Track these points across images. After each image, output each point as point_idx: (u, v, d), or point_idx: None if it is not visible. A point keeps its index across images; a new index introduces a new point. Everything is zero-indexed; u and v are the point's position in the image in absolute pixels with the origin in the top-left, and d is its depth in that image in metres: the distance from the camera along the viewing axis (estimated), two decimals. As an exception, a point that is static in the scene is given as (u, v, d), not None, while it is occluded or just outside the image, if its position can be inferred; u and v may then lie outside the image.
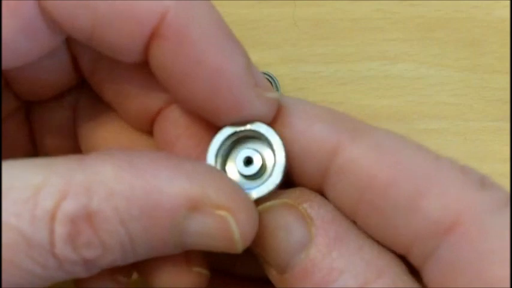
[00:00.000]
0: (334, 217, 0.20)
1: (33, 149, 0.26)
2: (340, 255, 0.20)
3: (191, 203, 0.19)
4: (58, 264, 0.18)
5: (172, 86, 0.21)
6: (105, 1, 0.19)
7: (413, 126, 0.37)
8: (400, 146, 0.21)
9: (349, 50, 0.38)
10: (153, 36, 0.20)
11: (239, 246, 0.20)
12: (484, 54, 0.38)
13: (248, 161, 0.22)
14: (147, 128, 0.24)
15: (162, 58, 0.20)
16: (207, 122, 0.22)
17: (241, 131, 0.21)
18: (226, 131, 0.21)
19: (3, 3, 0.19)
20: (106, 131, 0.25)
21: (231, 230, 0.19)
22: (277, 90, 0.35)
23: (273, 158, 0.22)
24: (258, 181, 0.22)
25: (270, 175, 0.21)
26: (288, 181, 0.22)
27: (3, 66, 0.20)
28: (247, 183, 0.22)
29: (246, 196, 0.20)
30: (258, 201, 0.21)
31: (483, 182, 0.20)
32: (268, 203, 0.21)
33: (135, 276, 0.23)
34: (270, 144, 0.21)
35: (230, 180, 0.21)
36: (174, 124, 0.23)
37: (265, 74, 0.35)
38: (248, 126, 0.21)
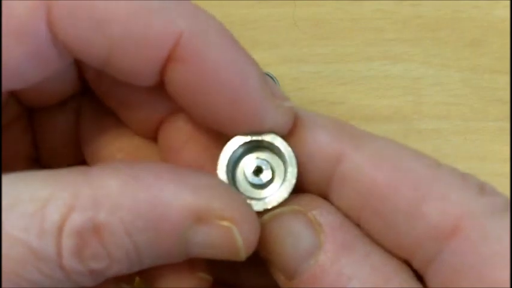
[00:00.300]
0: (342, 224, 0.21)
1: (36, 155, 0.26)
2: (348, 261, 0.20)
3: (196, 215, 0.19)
4: (65, 276, 0.19)
5: (190, 106, 0.21)
6: (118, 27, 0.19)
7: (413, 126, 0.37)
8: (401, 153, 0.21)
9: (349, 50, 0.38)
10: (168, 59, 0.20)
11: (242, 254, 0.20)
12: (484, 54, 0.38)
13: (258, 171, 0.22)
14: (152, 135, 0.24)
15: (179, 80, 0.21)
16: (212, 129, 0.22)
17: (254, 141, 0.22)
18: (239, 140, 0.22)
19: (12, 26, 0.19)
20: (109, 137, 0.25)
21: (235, 239, 0.20)
22: (277, 90, 0.35)
23: (283, 168, 0.22)
24: (266, 191, 0.22)
25: (279, 188, 0.22)
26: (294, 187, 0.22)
27: (10, 88, 0.21)
28: (255, 192, 0.22)
29: (248, 207, 0.21)
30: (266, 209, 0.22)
31: (483, 188, 0.20)
32: (277, 210, 0.21)
33: (137, 281, 0.23)
34: (281, 157, 0.22)
35: (232, 191, 0.21)
36: (179, 132, 0.23)
37: (265, 74, 0.35)
38: (263, 137, 0.22)
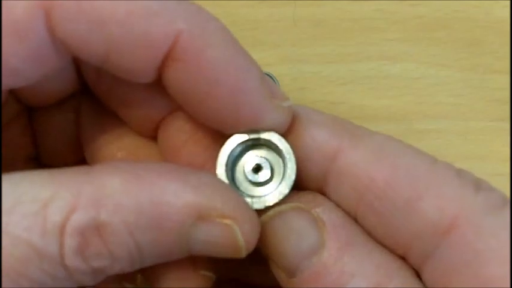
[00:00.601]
0: (345, 222, 0.21)
1: (36, 154, 0.26)
2: (351, 259, 0.20)
3: (198, 213, 0.20)
4: (68, 275, 0.19)
5: (189, 105, 0.22)
6: (118, 26, 0.19)
7: (413, 126, 0.37)
8: (398, 149, 0.21)
9: (349, 50, 0.38)
10: (167, 59, 0.20)
11: (243, 252, 0.20)
12: (484, 54, 0.38)
13: (257, 168, 0.22)
14: (152, 134, 0.24)
15: (178, 79, 0.21)
16: (212, 128, 0.22)
17: (253, 139, 0.22)
18: (238, 138, 0.22)
19: (12, 26, 0.19)
20: (109, 136, 0.25)
21: (236, 237, 0.20)
22: (277, 90, 0.35)
23: (281, 165, 0.22)
24: (266, 188, 0.22)
25: (279, 185, 0.22)
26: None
27: (9, 86, 0.21)
28: (254, 190, 0.22)
29: (248, 205, 0.21)
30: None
31: (479, 184, 0.20)
32: (281, 207, 0.21)
33: (139, 279, 0.23)
34: (280, 154, 0.22)
35: (232, 190, 0.21)
36: (179, 131, 0.23)
37: (265, 74, 0.35)
38: (261, 135, 0.22)
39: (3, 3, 0.19)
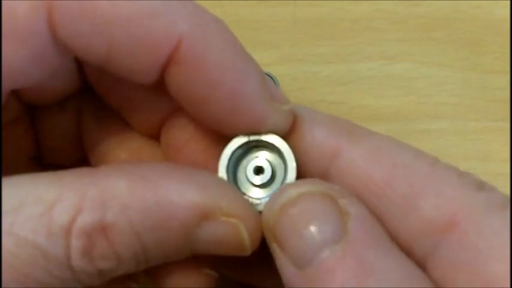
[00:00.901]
0: (371, 217, 0.20)
1: (38, 153, 0.26)
2: (374, 254, 0.19)
3: (203, 213, 0.20)
4: (74, 276, 0.19)
5: (190, 107, 0.22)
6: (120, 28, 0.19)
7: (413, 126, 0.37)
8: (397, 149, 0.21)
9: (349, 50, 0.38)
10: (169, 62, 0.20)
11: (248, 250, 0.20)
12: (484, 54, 0.38)
13: (258, 170, 0.22)
14: (154, 133, 0.24)
15: (179, 82, 0.21)
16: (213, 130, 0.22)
17: (253, 141, 0.22)
18: (239, 140, 0.22)
19: (14, 27, 0.19)
20: (111, 136, 0.25)
21: (242, 235, 0.20)
22: (277, 90, 0.35)
23: (283, 167, 0.22)
24: (267, 190, 0.22)
25: (281, 185, 0.22)
26: None
27: (12, 87, 0.21)
28: (256, 192, 0.22)
29: (251, 204, 0.21)
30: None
31: (481, 185, 0.20)
32: (305, 189, 0.20)
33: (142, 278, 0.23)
34: (281, 155, 0.22)
35: (235, 189, 0.21)
36: (181, 130, 0.23)
37: (265, 74, 0.35)
38: (262, 137, 0.22)
39: (4, 3, 0.19)
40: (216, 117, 0.21)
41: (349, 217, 0.19)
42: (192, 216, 0.19)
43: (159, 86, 0.22)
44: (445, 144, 0.37)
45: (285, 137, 0.22)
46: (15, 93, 0.24)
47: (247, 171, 0.22)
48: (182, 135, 0.23)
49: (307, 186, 0.20)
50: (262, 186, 0.22)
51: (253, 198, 0.22)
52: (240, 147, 0.22)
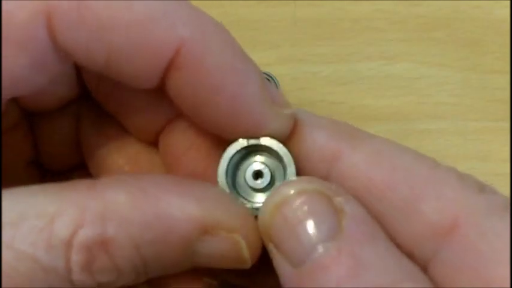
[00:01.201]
0: (367, 215, 0.20)
1: (37, 157, 0.26)
2: (370, 251, 0.19)
3: (203, 227, 0.20)
4: None
5: (190, 111, 0.22)
6: (120, 34, 0.19)
7: (413, 126, 0.37)
8: (398, 152, 0.21)
9: (349, 50, 0.38)
10: (169, 67, 0.20)
11: (249, 263, 0.20)
12: (484, 54, 0.38)
13: (257, 175, 0.22)
14: (152, 139, 0.24)
15: (179, 87, 0.21)
16: (213, 135, 0.22)
17: (252, 145, 0.22)
18: (238, 145, 0.22)
19: (14, 34, 0.19)
20: (110, 141, 0.25)
21: (242, 250, 0.20)
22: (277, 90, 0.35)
23: (282, 171, 0.22)
24: (267, 194, 0.22)
25: None
26: None
27: (12, 95, 0.21)
28: (256, 196, 0.22)
29: (252, 217, 0.21)
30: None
31: (482, 187, 0.20)
32: (300, 187, 0.20)
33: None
34: (280, 159, 0.22)
35: (236, 202, 0.21)
36: (180, 138, 0.23)
37: (265, 74, 0.35)
38: (260, 141, 0.22)
39: (4, 10, 0.19)
40: (216, 121, 0.21)
41: (344, 215, 0.19)
42: (192, 230, 0.19)
43: (159, 92, 0.22)
44: (445, 144, 0.37)
45: (286, 140, 0.22)
46: (14, 100, 0.24)
47: (247, 175, 0.22)
48: (181, 143, 0.23)
49: (302, 184, 0.20)
50: (262, 190, 0.22)
51: (252, 202, 0.22)
52: (239, 151, 0.22)
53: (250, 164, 0.22)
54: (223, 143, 0.22)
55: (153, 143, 0.24)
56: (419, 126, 0.37)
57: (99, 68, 0.20)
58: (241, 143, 0.22)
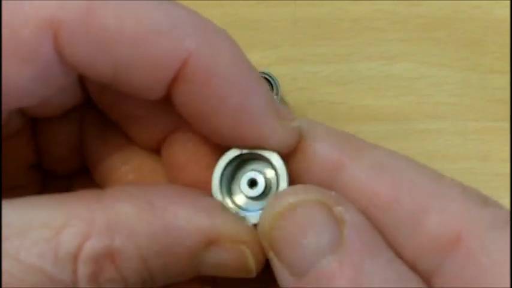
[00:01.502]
0: (368, 225, 0.20)
1: (40, 162, 0.26)
2: (372, 262, 0.19)
3: (209, 238, 0.20)
4: None
5: (195, 121, 0.22)
6: (126, 47, 0.19)
7: (413, 126, 0.37)
8: (402, 164, 0.21)
9: (349, 50, 0.38)
10: (176, 78, 0.20)
11: (254, 273, 0.21)
12: (484, 54, 0.38)
13: (252, 183, 0.22)
14: (155, 147, 0.24)
15: (185, 97, 0.21)
16: (215, 145, 0.22)
17: (245, 154, 0.22)
18: (230, 154, 0.22)
19: (20, 47, 0.19)
20: (113, 148, 0.25)
21: (247, 260, 0.20)
22: (277, 90, 0.35)
23: (276, 179, 0.22)
24: (262, 202, 0.22)
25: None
26: None
27: (16, 106, 0.21)
28: (251, 205, 0.22)
29: (254, 228, 0.21)
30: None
31: (485, 201, 0.20)
32: (301, 197, 0.20)
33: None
34: (274, 168, 0.22)
35: (229, 212, 0.21)
36: (183, 148, 0.23)
37: (265, 74, 0.35)
38: (254, 150, 0.22)
39: (10, 24, 0.19)
40: (221, 132, 0.21)
41: (345, 225, 0.19)
42: (198, 242, 0.20)
43: (162, 102, 0.22)
44: (445, 144, 0.37)
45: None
46: (18, 109, 0.24)
47: (242, 184, 0.22)
48: (183, 153, 0.23)
49: (302, 194, 0.20)
50: (257, 198, 0.22)
51: (246, 210, 0.22)
52: (234, 160, 0.22)
53: (245, 172, 0.22)
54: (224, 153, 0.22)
55: (157, 150, 0.25)
56: (419, 126, 0.37)
57: (107, 81, 0.20)
58: (234, 152, 0.22)
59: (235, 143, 0.22)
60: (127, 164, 0.25)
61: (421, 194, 0.20)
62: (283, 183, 0.22)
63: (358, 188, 0.20)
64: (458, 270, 0.19)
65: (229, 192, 0.22)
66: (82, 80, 0.23)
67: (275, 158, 0.22)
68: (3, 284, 0.18)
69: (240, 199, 0.22)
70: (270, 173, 0.22)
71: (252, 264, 0.20)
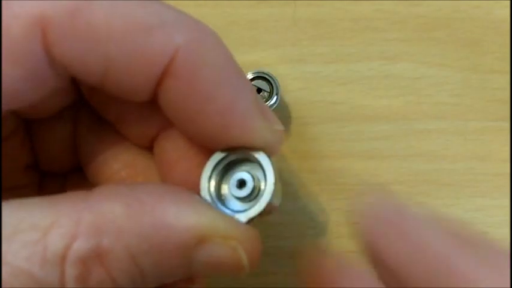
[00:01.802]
0: None
1: (35, 162, 0.26)
2: None
3: (200, 236, 0.20)
4: None
5: (181, 122, 0.22)
6: (115, 44, 0.19)
7: (413, 126, 0.37)
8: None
9: (349, 50, 0.38)
10: (163, 75, 0.20)
11: (247, 270, 0.21)
12: (484, 54, 0.38)
13: (241, 184, 0.22)
14: (148, 145, 0.24)
15: (172, 96, 0.21)
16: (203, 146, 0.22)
17: (232, 155, 0.22)
18: (217, 156, 0.22)
19: (8, 47, 0.19)
20: (106, 146, 0.25)
21: (240, 258, 0.20)
22: (277, 90, 0.35)
23: (264, 179, 0.22)
24: (251, 203, 0.22)
25: (258, 200, 0.22)
26: None
27: (7, 109, 0.20)
28: (241, 205, 0.22)
29: (249, 226, 0.21)
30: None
31: None
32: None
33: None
34: (262, 168, 0.22)
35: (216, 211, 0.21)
36: (174, 146, 0.23)
37: (265, 74, 0.35)
38: (240, 151, 0.22)
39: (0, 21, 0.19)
40: (206, 133, 0.21)
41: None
42: (189, 239, 0.19)
43: (152, 102, 0.22)
44: (445, 144, 0.37)
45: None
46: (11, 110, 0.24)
47: (230, 184, 0.22)
48: (174, 151, 0.23)
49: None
50: (246, 199, 0.22)
51: (234, 211, 0.22)
52: (222, 160, 0.22)
53: (234, 173, 0.22)
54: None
55: (150, 147, 0.24)
56: (419, 126, 0.37)
57: (97, 81, 0.20)
58: (222, 153, 0.22)
59: (220, 144, 0.21)
60: (119, 162, 0.24)
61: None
62: (270, 183, 0.21)
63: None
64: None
65: (219, 194, 0.22)
66: (74, 81, 0.23)
67: (262, 158, 0.22)
68: None
69: (228, 200, 0.22)
70: (258, 173, 0.22)
71: (245, 261, 0.20)
